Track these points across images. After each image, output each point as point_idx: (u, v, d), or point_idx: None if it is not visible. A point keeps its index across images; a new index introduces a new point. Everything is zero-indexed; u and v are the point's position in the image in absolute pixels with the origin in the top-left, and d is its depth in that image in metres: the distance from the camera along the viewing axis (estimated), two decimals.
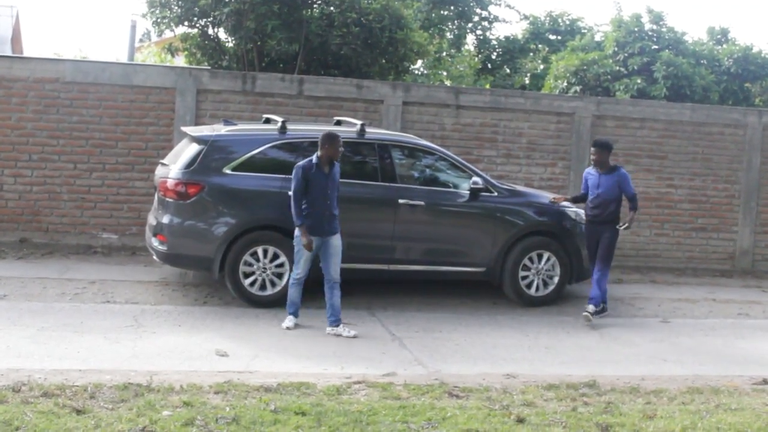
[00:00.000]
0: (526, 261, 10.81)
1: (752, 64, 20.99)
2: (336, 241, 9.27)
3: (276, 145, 10.27)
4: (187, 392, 6.66)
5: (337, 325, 9.14)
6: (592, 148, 10.65)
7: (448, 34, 26.91)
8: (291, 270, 9.89)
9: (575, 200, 11.05)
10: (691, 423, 6.62)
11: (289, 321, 9.26)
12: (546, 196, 11.41)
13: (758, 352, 9.57)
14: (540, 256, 10.87)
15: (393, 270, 10.53)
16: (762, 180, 14.73)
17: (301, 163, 9.27)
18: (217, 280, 10.39)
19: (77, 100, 12.70)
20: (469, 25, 27.41)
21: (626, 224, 10.49)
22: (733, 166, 14.64)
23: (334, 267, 9.25)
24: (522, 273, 10.80)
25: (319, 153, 9.19)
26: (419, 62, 22.44)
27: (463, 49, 27.72)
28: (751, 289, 13.37)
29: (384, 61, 17.06)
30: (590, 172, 10.69)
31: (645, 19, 21.24)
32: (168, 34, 17.38)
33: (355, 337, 8.97)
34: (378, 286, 11.08)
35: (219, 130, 10.41)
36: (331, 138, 9.20)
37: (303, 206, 9.14)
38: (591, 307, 10.28)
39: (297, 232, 9.23)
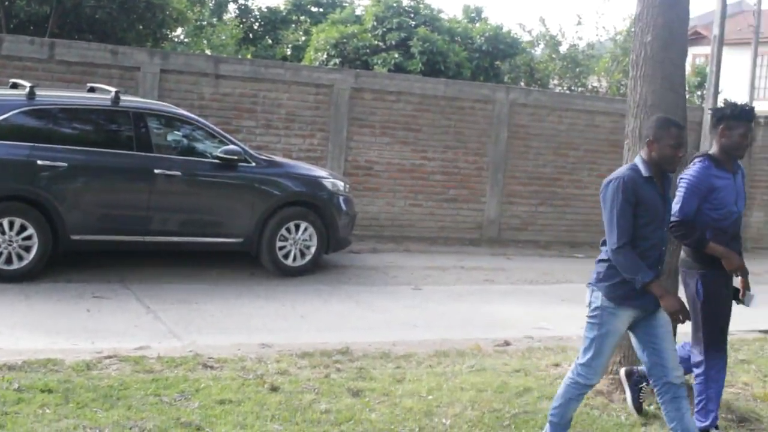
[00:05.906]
0: (283, 231, 10.86)
1: (502, 43, 22.11)
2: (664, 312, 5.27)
3: (23, 112, 9.73)
4: None
5: None
6: (739, 124, 5.72)
7: (209, 2, 26.54)
8: (41, 242, 9.51)
9: (701, 244, 5.73)
10: (437, 384, 6.95)
11: None
12: (305, 167, 11.57)
13: (501, 315, 10.14)
14: (297, 227, 10.95)
15: (148, 241, 10.31)
16: (508, 153, 15.55)
17: (619, 173, 5.16)
18: None
19: None
20: None
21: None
22: (482, 139, 15.36)
23: (674, 357, 5.36)
24: (280, 243, 10.86)
25: (643, 154, 5.23)
26: (179, 30, 22.04)
27: (224, 18, 27.45)
28: (497, 257, 14.13)
29: (141, 27, 16.63)
30: (716, 173, 5.76)
31: None
32: None
33: None
34: (133, 257, 10.81)
35: None
36: (662, 125, 5.19)
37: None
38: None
39: (600, 299, 5.19)
